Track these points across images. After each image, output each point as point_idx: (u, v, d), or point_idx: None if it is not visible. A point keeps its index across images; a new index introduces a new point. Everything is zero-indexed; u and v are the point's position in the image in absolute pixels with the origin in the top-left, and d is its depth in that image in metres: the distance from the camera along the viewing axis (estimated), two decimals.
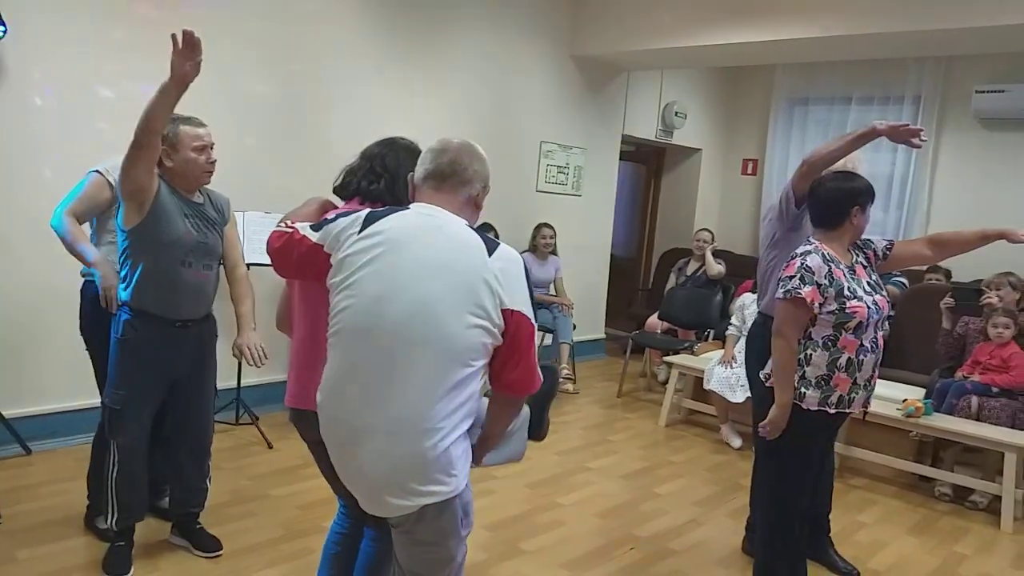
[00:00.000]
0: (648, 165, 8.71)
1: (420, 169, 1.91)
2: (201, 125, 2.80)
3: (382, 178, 2.13)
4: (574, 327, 6.24)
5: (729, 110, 8.55)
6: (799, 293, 2.65)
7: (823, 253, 2.73)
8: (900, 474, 4.62)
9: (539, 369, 1.87)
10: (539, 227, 6.26)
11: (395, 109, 5.30)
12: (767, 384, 2.81)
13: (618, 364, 6.50)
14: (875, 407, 4.14)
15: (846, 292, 2.67)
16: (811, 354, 2.71)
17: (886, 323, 4.68)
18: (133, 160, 2.51)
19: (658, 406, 5.61)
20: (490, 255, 1.77)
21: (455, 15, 5.70)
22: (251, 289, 3.04)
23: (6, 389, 3.88)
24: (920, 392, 4.59)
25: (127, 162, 2.53)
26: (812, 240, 2.81)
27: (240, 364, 4.30)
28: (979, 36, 5.01)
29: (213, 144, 2.84)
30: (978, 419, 4.30)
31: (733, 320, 5.16)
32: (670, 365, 5.50)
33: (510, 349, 1.79)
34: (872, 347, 2.75)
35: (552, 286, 6.34)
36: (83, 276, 3.04)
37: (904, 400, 4.30)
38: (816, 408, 2.71)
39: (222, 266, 3.01)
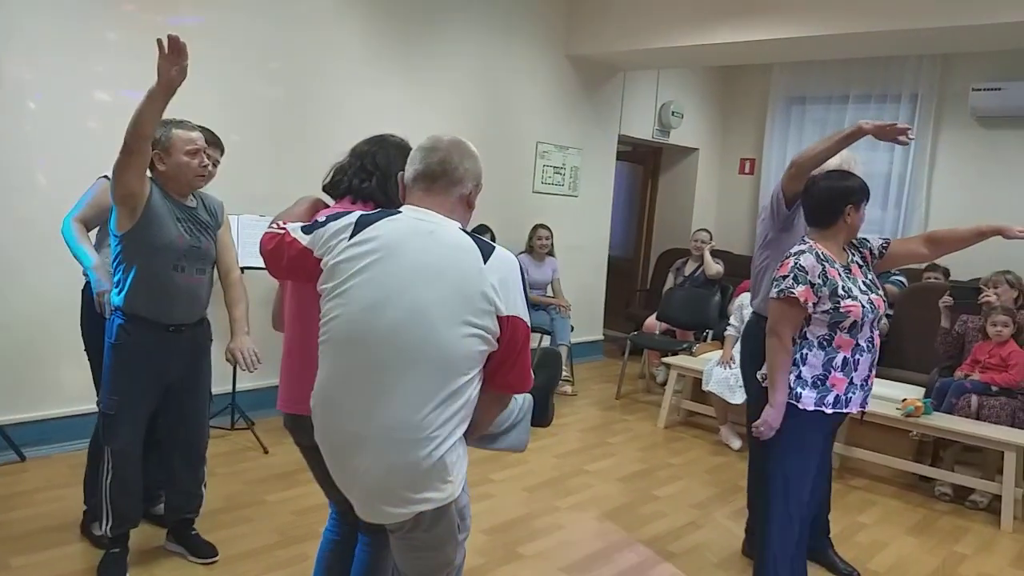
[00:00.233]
0: (645, 165, 8.69)
1: (410, 169, 1.87)
2: (193, 128, 2.79)
3: (373, 176, 2.11)
4: (572, 329, 6.23)
5: (726, 109, 8.54)
6: (792, 292, 2.64)
7: (817, 252, 2.72)
8: (900, 474, 4.60)
9: (539, 357, 1.85)
10: (535, 228, 6.24)
11: (390, 110, 5.29)
12: (763, 384, 2.80)
13: (616, 365, 6.48)
14: (874, 407, 4.12)
15: (840, 291, 2.66)
16: (806, 354, 2.70)
17: (884, 321, 4.65)
18: (124, 165, 2.51)
19: (657, 407, 5.59)
20: (485, 261, 1.74)
21: (449, 16, 5.69)
22: (245, 293, 3.02)
23: (0, 395, 3.86)
24: (919, 391, 4.57)
25: (118, 167, 2.52)
26: (807, 239, 2.80)
27: (235, 369, 4.28)
28: (975, 34, 5.00)
29: (206, 148, 2.83)
30: (978, 418, 4.28)
31: (732, 320, 5.14)
32: (668, 366, 5.48)
33: (505, 353, 1.78)
34: (868, 346, 2.73)
35: (549, 287, 6.33)
36: (84, 276, 3.03)
37: (903, 399, 4.29)
38: (813, 408, 2.70)
39: (216, 270, 3.00)
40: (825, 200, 2.80)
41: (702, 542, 3.59)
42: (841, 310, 2.65)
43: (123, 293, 2.72)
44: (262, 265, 2.00)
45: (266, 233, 1.95)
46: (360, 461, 1.74)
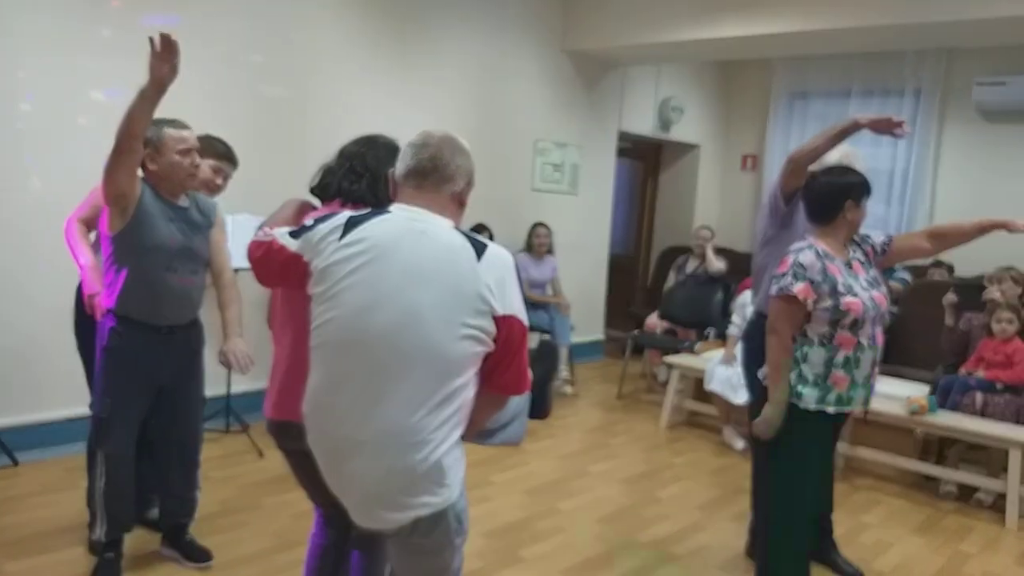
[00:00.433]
0: (645, 162, 8.63)
1: (401, 165, 1.83)
2: (185, 127, 2.76)
3: (363, 178, 2.06)
4: (572, 328, 6.18)
5: (727, 105, 8.48)
6: (791, 290, 2.61)
7: (817, 249, 2.68)
8: (904, 473, 4.55)
9: (536, 349, 1.81)
10: (535, 227, 6.20)
11: (385, 108, 5.23)
12: (764, 383, 2.75)
13: (617, 365, 6.44)
14: (879, 405, 4.09)
15: (841, 288, 2.62)
16: (807, 352, 2.66)
17: (886, 318, 4.63)
18: (114, 165, 2.49)
19: (659, 407, 5.54)
20: (479, 259, 1.70)
21: (445, 12, 5.64)
22: (238, 294, 2.98)
23: None
24: (924, 389, 4.53)
25: (108, 167, 2.50)
26: (806, 236, 2.77)
27: (229, 371, 4.24)
28: (979, 28, 4.96)
29: (198, 147, 2.80)
30: (983, 415, 4.24)
31: (734, 319, 5.09)
32: (670, 366, 5.43)
33: (502, 353, 1.75)
34: (870, 344, 2.69)
35: (549, 286, 6.28)
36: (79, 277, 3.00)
37: (908, 398, 4.24)
38: (814, 407, 2.66)
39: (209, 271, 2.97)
40: (825, 196, 2.78)
41: (705, 544, 3.54)
42: (842, 307, 2.61)
43: (115, 295, 2.70)
44: None
45: (253, 241, 1.90)
46: (355, 466, 1.71)
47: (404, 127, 1.85)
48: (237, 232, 4.17)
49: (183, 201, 2.81)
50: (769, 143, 7.95)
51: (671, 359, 5.43)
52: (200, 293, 2.91)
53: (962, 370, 4.53)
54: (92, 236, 2.94)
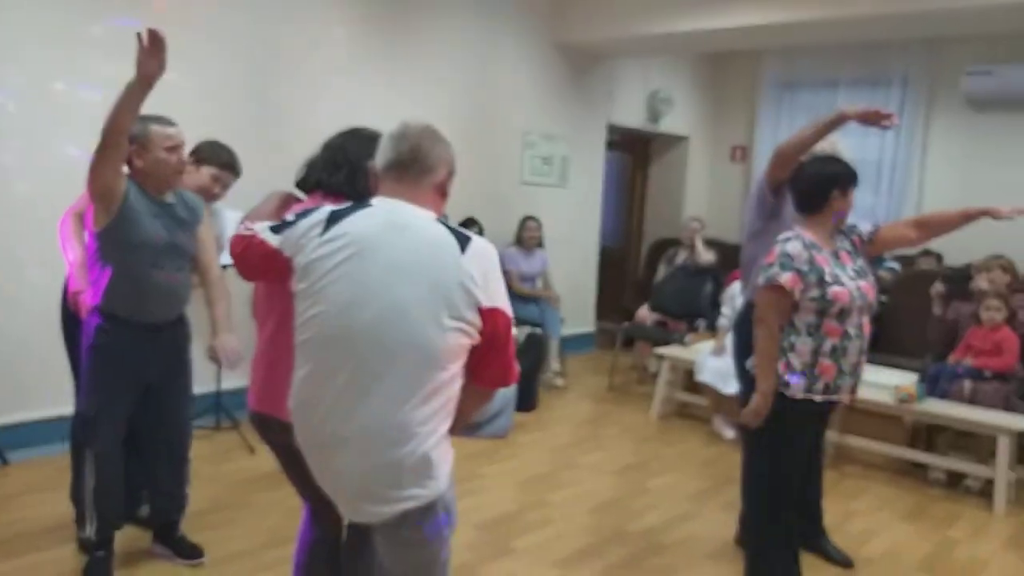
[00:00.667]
0: (635, 154, 8.63)
1: (380, 158, 1.82)
2: (171, 124, 2.75)
3: (342, 169, 2.06)
4: (562, 321, 6.19)
5: (716, 96, 8.48)
6: (779, 280, 2.63)
7: (804, 240, 2.70)
8: (893, 461, 4.58)
9: (523, 341, 1.82)
10: (524, 220, 6.20)
11: (374, 101, 5.20)
12: (753, 373, 2.77)
13: (608, 357, 6.45)
14: (868, 394, 4.12)
15: (827, 278, 2.64)
16: (795, 341, 2.68)
17: (874, 307, 4.66)
18: (100, 161, 2.48)
19: (649, 399, 5.55)
20: (463, 252, 1.69)
21: (435, 5, 5.63)
22: (226, 291, 2.98)
23: None
24: (913, 377, 4.55)
25: (94, 163, 2.49)
26: (794, 226, 2.78)
27: (219, 368, 4.23)
28: (966, 17, 4.97)
29: (184, 143, 2.79)
30: (971, 403, 4.27)
31: (724, 310, 5.11)
32: (661, 357, 5.44)
33: (488, 346, 1.75)
34: (857, 333, 2.71)
35: (539, 280, 6.28)
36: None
37: (897, 386, 4.26)
38: (802, 396, 2.68)
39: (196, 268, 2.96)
40: (812, 186, 2.80)
41: (694, 533, 3.57)
42: (828, 297, 2.63)
43: (100, 292, 2.69)
44: None
45: (235, 235, 1.90)
46: (343, 461, 1.71)
47: (394, 121, 1.84)
48: (229, 229, 4.16)
49: (169, 197, 2.80)
50: (758, 134, 7.96)
51: (661, 351, 5.45)
52: (186, 290, 2.89)
53: (951, 358, 4.56)
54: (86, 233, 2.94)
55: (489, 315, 1.71)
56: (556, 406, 5.51)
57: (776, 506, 2.83)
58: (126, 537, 3.02)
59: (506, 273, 6.05)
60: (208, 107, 4.36)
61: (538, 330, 5.98)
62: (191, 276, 2.93)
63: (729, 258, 6.47)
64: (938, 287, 4.79)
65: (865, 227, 2.98)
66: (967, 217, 2.88)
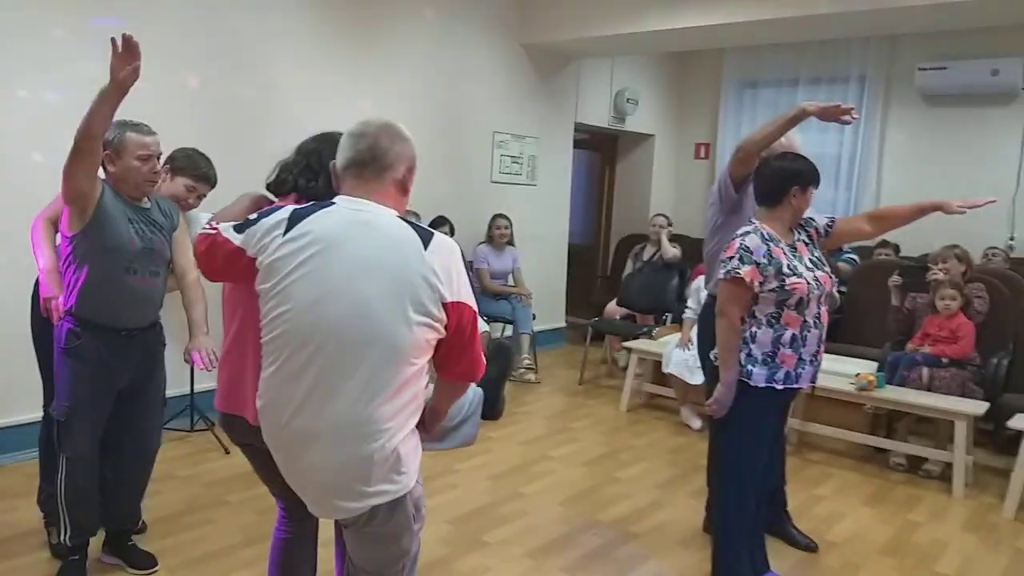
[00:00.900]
0: (602, 152, 8.73)
1: (340, 157, 1.83)
2: (150, 133, 2.74)
3: (320, 175, 2.04)
4: (534, 317, 6.26)
5: (680, 95, 8.61)
6: (738, 273, 2.69)
7: (762, 233, 2.77)
8: (855, 447, 4.71)
9: (489, 350, 1.86)
10: (494, 218, 6.26)
11: (342, 103, 5.22)
12: (716, 364, 2.85)
13: (579, 352, 6.53)
14: (829, 382, 4.23)
15: (786, 270, 2.71)
16: (756, 332, 2.76)
17: (836, 299, 4.79)
18: (73, 165, 2.47)
19: (619, 392, 5.64)
20: (425, 247, 1.72)
21: (401, 6, 5.65)
22: (203, 294, 2.97)
23: None
24: (873, 366, 4.68)
25: (67, 167, 2.49)
26: (753, 220, 2.86)
27: (192, 370, 4.23)
28: (920, 14, 5.11)
29: (160, 154, 2.79)
30: (929, 389, 4.39)
31: (689, 303, 5.20)
32: (629, 350, 5.53)
33: (454, 340, 1.78)
34: (816, 323, 2.79)
35: (510, 277, 6.35)
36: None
37: (857, 374, 4.38)
38: (764, 385, 2.75)
39: (173, 272, 2.96)
40: (774, 180, 2.86)
41: (664, 521, 3.65)
42: (787, 288, 2.70)
43: (73, 296, 2.67)
44: None
45: (199, 234, 1.91)
46: (312, 458, 1.73)
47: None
48: (199, 230, 4.16)
49: (145, 202, 2.80)
50: (721, 131, 8.09)
51: (630, 344, 5.54)
52: (161, 295, 2.89)
53: (909, 346, 4.68)
54: (59, 237, 2.93)
55: (454, 309, 1.73)
56: (528, 401, 5.59)
57: (741, 492, 2.91)
58: (97, 541, 2.99)
59: (477, 271, 6.17)
60: (174, 108, 4.35)
61: (513, 332, 6.06)
62: (167, 280, 2.94)
63: (694, 253, 6.55)
64: (896, 279, 4.91)
65: (822, 220, 3.06)
66: (920, 211, 2.97)
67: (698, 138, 8.53)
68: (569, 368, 6.57)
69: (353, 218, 1.75)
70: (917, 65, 6.77)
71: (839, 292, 5.25)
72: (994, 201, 2.89)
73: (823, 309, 2.85)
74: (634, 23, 5.94)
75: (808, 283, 2.74)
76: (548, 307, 7.24)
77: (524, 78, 6.79)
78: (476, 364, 1.85)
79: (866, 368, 4.54)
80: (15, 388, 3.84)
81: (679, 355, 5.03)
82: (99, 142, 2.48)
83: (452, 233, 5.72)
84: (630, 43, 6.49)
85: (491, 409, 2.16)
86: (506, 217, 6.28)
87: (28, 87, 3.88)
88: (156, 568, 2.96)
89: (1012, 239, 6.51)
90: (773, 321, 2.75)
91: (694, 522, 3.60)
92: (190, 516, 3.41)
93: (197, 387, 4.43)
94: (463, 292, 1.76)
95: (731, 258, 2.73)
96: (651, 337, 5.70)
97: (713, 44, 7.06)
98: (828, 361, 4.12)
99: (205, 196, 3.28)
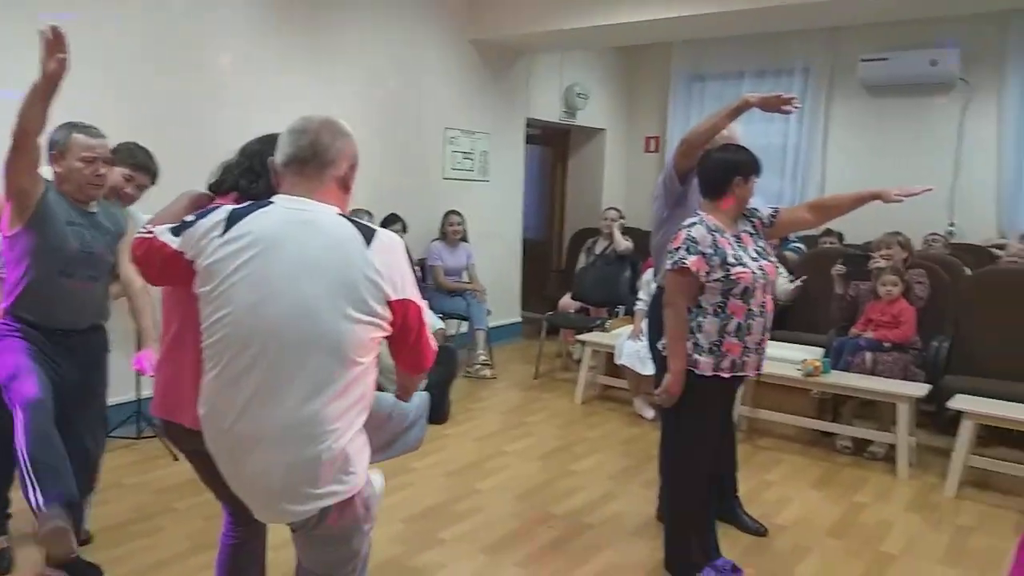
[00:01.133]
0: (554, 147, 8.76)
1: (280, 153, 1.80)
2: (97, 136, 2.70)
3: (262, 177, 2.01)
4: (489, 313, 6.26)
5: (630, 89, 8.68)
6: (685, 263, 2.73)
7: (707, 224, 2.81)
8: (803, 431, 4.80)
9: (434, 342, 1.88)
10: (447, 215, 6.24)
11: (292, 99, 5.14)
12: (664, 354, 2.88)
13: (535, 347, 6.55)
14: (776, 369, 4.31)
15: (731, 259, 2.76)
16: (702, 321, 2.80)
17: (791, 287, 4.84)
18: (11, 162, 2.45)
19: (574, 384, 5.67)
20: (368, 245, 1.70)
21: (352, 3, 5.60)
22: (151, 300, 2.91)
23: None
24: (819, 352, 4.77)
25: (5, 164, 2.46)
26: (698, 212, 2.89)
27: (138, 377, 4.14)
28: (862, 6, 5.22)
29: (107, 158, 2.74)
30: (873, 373, 4.49)
31: (641, 295, 5.25)
32: (583, 343, 5.57)
33: (401, 336, 1.78)
34: (760, 311, 2.84)
35: (465, 273, 6.35)
36: None
37: (804, 360, 4.47)
38: (711, 373, 2.80)
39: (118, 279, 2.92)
40: (717, 171, 2.91)
41: (618, 512, 3.68)
42: (732, 277, 2.74)
43: (11, 297, 2.63)
44: None
45: (135, 238, 1.86)
46: (257, 462, 1.70)
47: None
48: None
49: (93, 207, 2.76)
50: (670, 125, 8.18)
51: (584, 337, 5.58)
52: (101, 300, 2.84)
53: (852, 331, 4.79)
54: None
55: (399, 307, 1.72)
56: (484, 396, 5.59)
57: (691, 480, 2.96)
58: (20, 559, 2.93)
59: (432, 268, 6.14)
60: (120, 107, 4.25)
61: (468, 329, 6.05)
62: (111, 287, 2.89)
63: (646, 245, 6.59)
64: (839, 268, 5.02)
65: (766, 211, 3.10)
66: (860, 200, 3.03)
67: (648, 132, 8.61)
68: (525, 363, 6.59)
69: (293, 217, 1.72)
70: (859, 56, 6.92)
71: (800, 282, 5.37)
72: (931, 190, 2.96)
73: (768, 298, 2.90)
74: (582, 18, 5.97)
75: (753, 272, 2.78)
76: (503, 302, 7.25)
77: (474, 74, 6.78)
78: (425, 354, 1.86)
79: (812, 354, 4.63)
80: None
81: (631, 346, 5.07)
82: (34, 138, 2.43)
83: (405, 230, 5.69)
84: (579, 38, 6.53)
85: (437, 413, 2.17)
86: (459, 213, 6.27)
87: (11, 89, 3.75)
88: None
89: (952, 225, 6.71)
90: (719, 310, 2.79)
91: (647, 511, 3.64)
92: (138, 525, 3.35)
93: (144, 393, 4.34)
94: (408, 289, 1.75)
95: (677, 249, 2.77)
96: (604, 329, 5.74)
97: (661, 38, 7.13)
98: (776, 348, 4.21)
99: (146, 188, 3.19)
